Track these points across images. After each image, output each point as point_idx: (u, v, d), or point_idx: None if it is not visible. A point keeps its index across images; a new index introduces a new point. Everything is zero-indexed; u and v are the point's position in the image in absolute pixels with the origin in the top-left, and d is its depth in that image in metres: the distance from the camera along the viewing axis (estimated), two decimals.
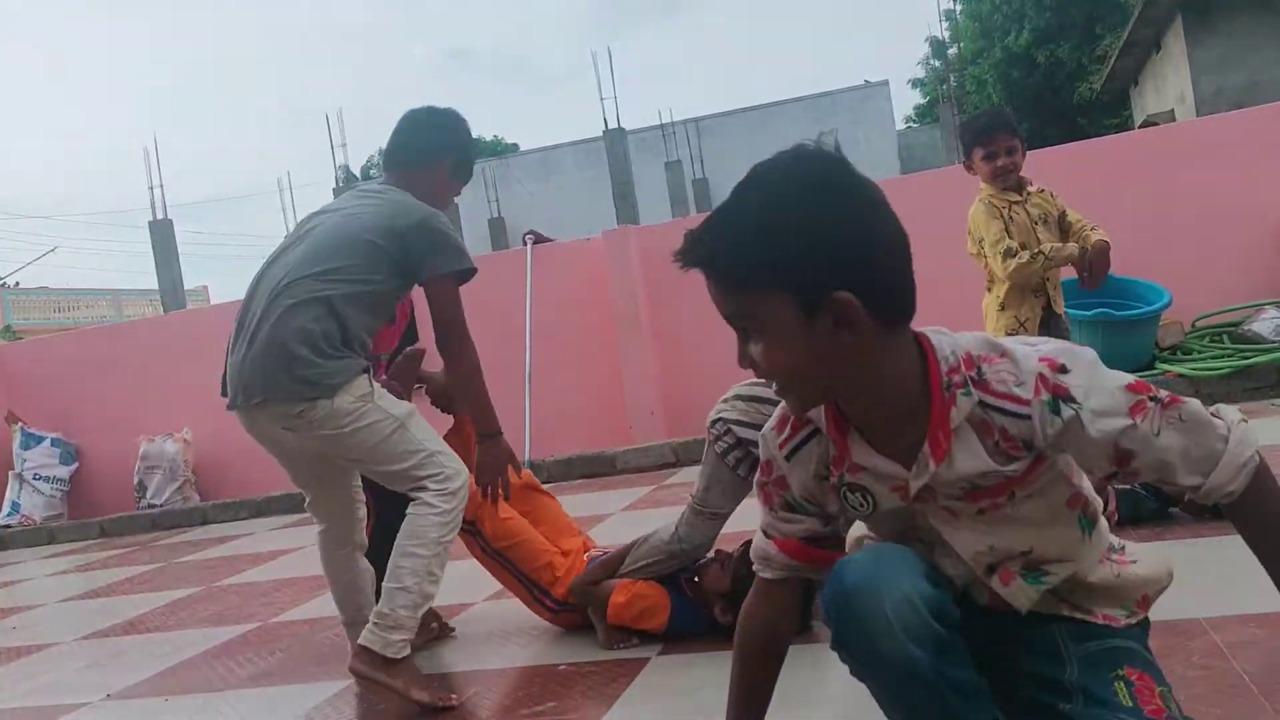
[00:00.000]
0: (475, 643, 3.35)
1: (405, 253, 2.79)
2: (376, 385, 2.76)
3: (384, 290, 2.83)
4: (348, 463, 2.89)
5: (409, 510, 2.75)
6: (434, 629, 3.36)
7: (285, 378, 2.65)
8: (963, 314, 3.64)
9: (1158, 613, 2.57)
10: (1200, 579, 2.81)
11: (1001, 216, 3.91)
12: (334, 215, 2.90)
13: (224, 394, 2.83)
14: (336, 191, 32.59)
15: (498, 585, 4.05)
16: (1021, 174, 3.98)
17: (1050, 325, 4.02)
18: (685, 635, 2.95)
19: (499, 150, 46.94)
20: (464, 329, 2.85)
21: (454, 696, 2.71)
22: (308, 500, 3.07)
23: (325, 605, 4.25)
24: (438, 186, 3.06)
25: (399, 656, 2.67)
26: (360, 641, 2.70)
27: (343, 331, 2.71)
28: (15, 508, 8.58)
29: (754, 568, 1.68)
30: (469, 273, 2.89)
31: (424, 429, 2.80)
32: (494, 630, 3.45)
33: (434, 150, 3.05)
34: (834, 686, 2.45)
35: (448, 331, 2.83)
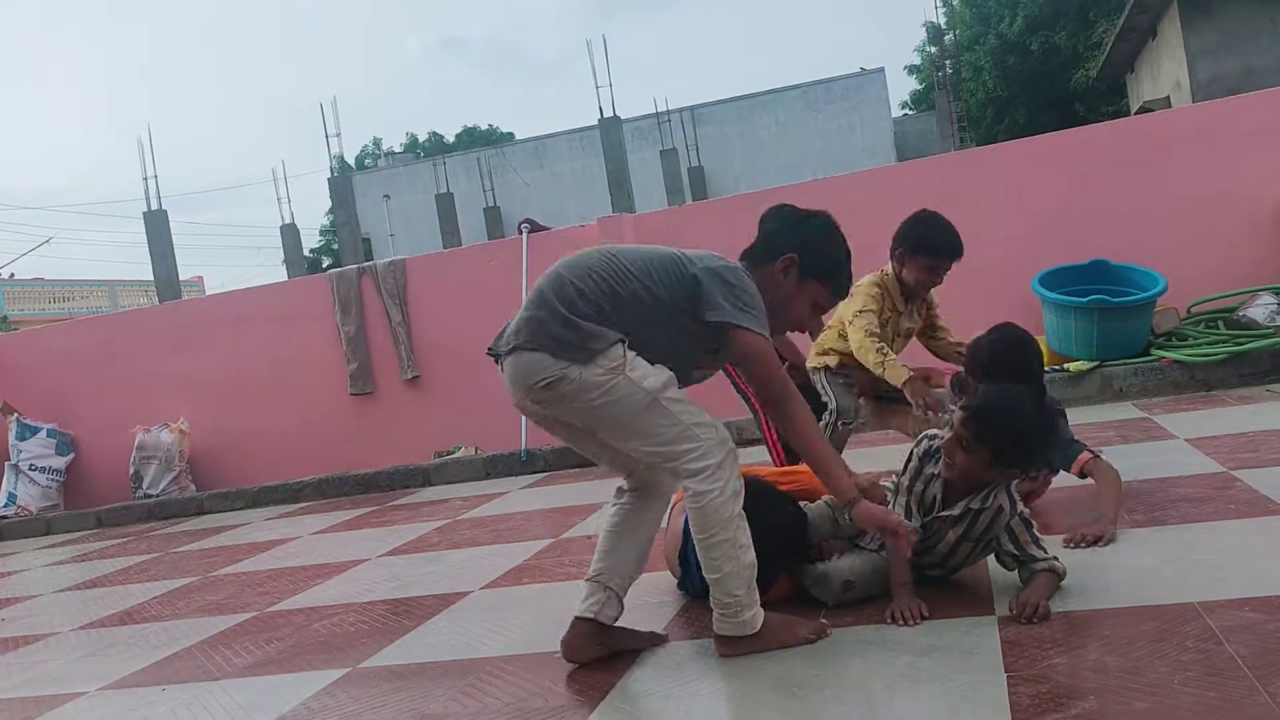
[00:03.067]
0: (474, 626, 3.36)
1: (697, 283, 2.65)
2: (630, 355, 2.59)
3: (668, 302, 2.65)
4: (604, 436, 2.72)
5: (686, 503, 2.62)
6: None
7: (540, 333, 2.58)
8: (954, 301, 3.65)
9: (1151, 596, 2.60)
10: (1194, 563, 2.82)
11: (879, 314, 4.04)
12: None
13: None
14: (331, 181, 32.54)
15: (494, 574, 4.07)
16: None
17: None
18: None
19: (494, 139, 46.84)
20: (787, 388, 2.68)
21: (827, 625, 2.70)
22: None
23: (322, 594, 4.27)
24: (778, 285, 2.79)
25: (759, 628, 2.62)
26: (717, 631, 2.65)
27: (615, 309, 2.60)
28: (11, 498, 8.58)
29: None
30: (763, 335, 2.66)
31: (680, 401, 2.61)
32: (493, 615, 3.46)
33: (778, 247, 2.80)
34: (828, 671, 2.46)
35: (767, 389, 2.68)
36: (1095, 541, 3.14)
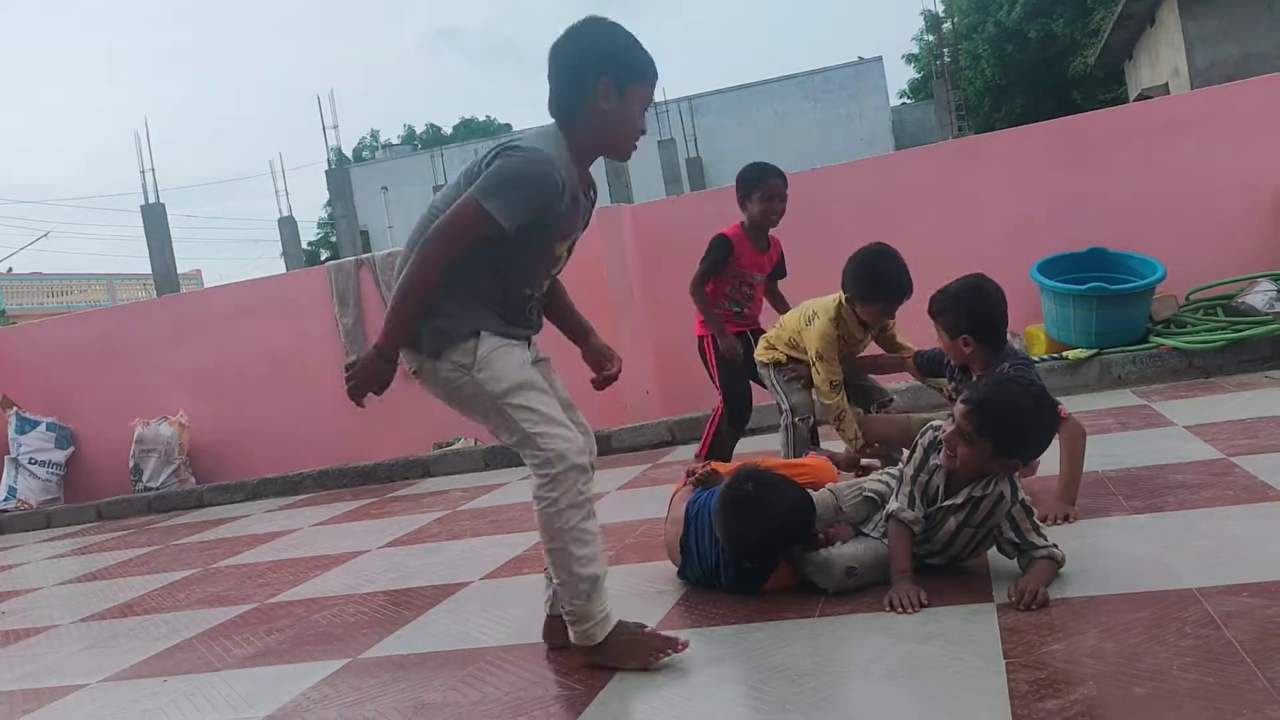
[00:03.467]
0: (474, 616, 3.36)
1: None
2: (483, 353, 2.55)
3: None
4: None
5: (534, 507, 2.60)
6: None
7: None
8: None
9: (1150, 582, 2.60)
10: (1192, 549, 2.83)
11: (837, 351, 4.19)
12: None
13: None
14: (329, 173, 32.51)
15: (493, 564, 4.07)
16: None
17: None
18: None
19: (491, 130, 46.76)
20: (432, 244, 2.51)
21: (681, 642, 2.63)
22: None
23: (322, 586, 4.28)
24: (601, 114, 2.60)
25: (603, 639, 2.60)
26: (575, 641, 2.66)
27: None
28: (11, 492, 8.58)
29: None
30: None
31: (526, 407, 2.55)
32: (493, 606, 3.46)
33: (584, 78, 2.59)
34: (836, 658, 2.47)
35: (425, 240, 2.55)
36: (1061, 522, 3.31)
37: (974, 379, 3.55)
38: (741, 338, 4.75)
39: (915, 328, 4.25)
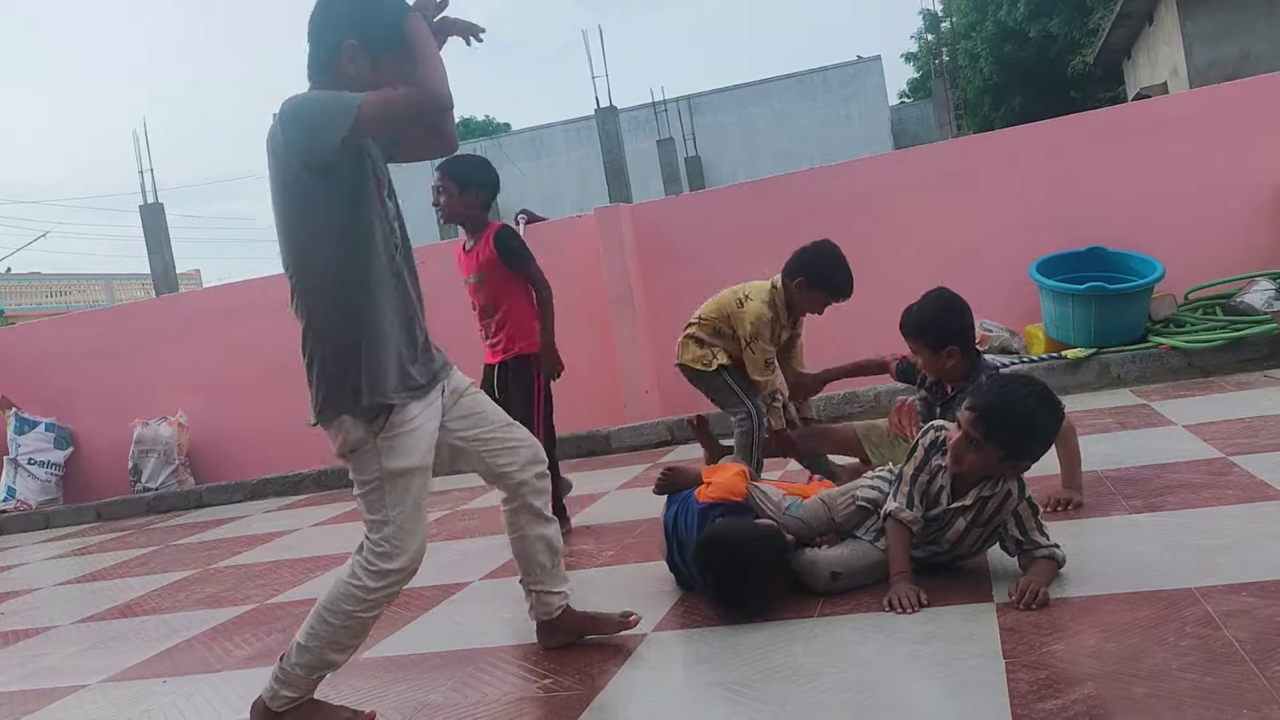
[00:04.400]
0: (474, 617, 3.36)
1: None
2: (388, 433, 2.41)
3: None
4: None
5: (338, 573, 2.48)
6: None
7: None
8: (953, 288, 3.65)
9: (1149, 582, 2.61)
10: (1191, 548, 2.83)
11: (774, 334, 4.17)
12: None
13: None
14: None
15: (493, 565, 4.08)
16: None
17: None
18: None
19: (491, 130, 46.69)
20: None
21: (366, 715, 2.58)
22: None
23: (321, 586, 4.26)
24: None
25: (279, 711, 2.49)
26: (262, 692, 2.53)
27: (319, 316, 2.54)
28: (10, 493, 8.58)
29: None
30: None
31: (401, 495, 2.42)
32: (492, 606, 3.46)
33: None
34: (827, 657, 2.47)
35: None
36: (1070, 506, 3.48)
37: (949, 390, 3.57)
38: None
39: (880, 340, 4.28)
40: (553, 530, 2.81)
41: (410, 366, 2.45)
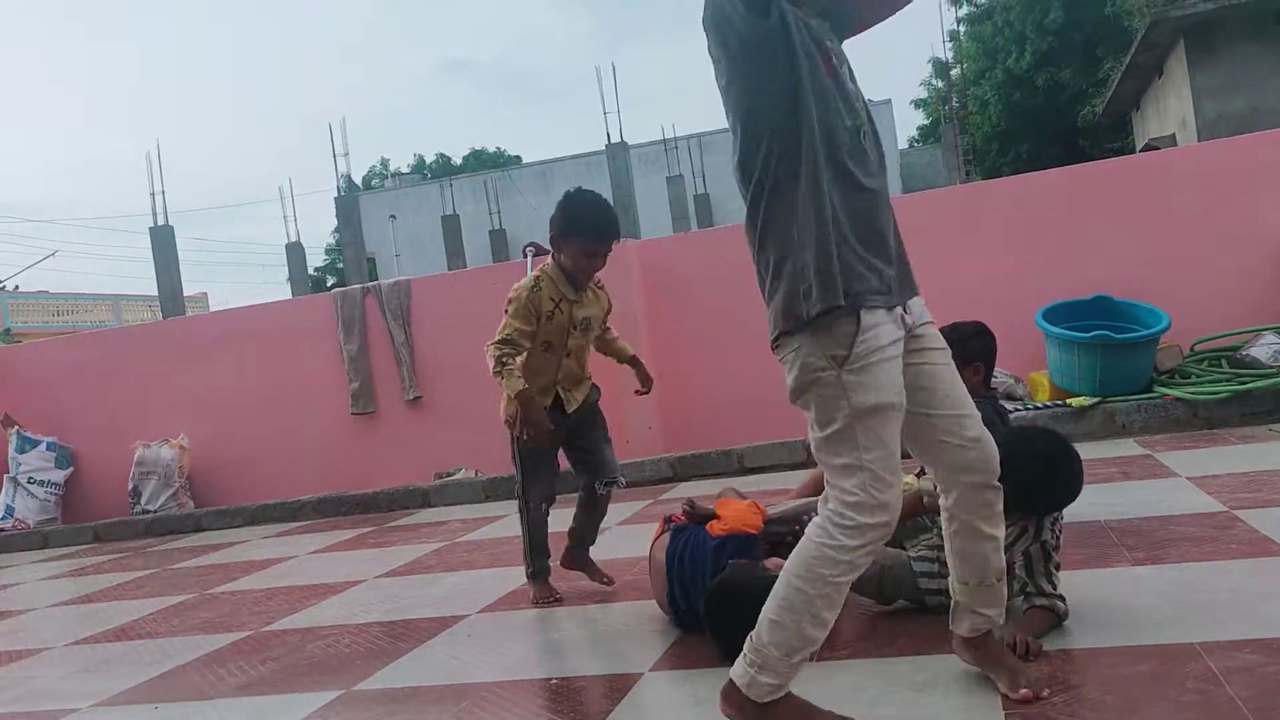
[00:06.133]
0: (470, 650, 3.34)
1: None
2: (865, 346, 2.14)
3: None
4: None
5: (807, 533, 2.22)
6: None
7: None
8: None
9: (1151, 636, 2.58)
10: (1194, 603, 2.81)
11: (538, 316, 3.73)
12: None
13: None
14: (338, 200, 32.69)
15: (492, 597, 4.05)
16: None
17: (557, 422, 3.87)
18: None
19: (501, 162, 46.99)
20: None
21: None
22: None
23: (317, 615, 4.25)
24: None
25: (762, 701, 2.23)
26: (730, 674, 2.29)
27: None
28: (9, 511, 8.56)
29: None
30: None
31: (872, 433, 2.14)
32: (489, 639, 3.44)
33: None
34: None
35: None
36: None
37: None
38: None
39: None
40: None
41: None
